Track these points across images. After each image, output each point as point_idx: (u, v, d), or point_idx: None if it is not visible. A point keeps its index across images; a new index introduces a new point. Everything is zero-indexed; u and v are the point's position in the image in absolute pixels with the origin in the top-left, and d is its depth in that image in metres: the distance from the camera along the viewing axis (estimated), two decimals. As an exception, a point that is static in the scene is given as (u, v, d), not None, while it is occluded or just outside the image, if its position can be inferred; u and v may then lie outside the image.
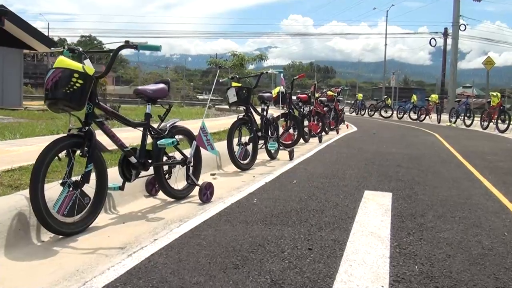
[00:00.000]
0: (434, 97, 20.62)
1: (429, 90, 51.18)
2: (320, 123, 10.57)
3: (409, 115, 21.32)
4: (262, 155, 6.44)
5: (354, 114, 25.39)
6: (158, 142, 3.53)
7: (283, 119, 8.27)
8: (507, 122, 14.09)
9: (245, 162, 5.55)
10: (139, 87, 3.62)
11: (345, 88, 15.25)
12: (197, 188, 3.85)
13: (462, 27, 31.64)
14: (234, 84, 5.50)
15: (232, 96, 5.41)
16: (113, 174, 3.54)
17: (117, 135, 3.31)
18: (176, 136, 3.88)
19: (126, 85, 48.00)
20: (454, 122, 17.95)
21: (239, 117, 5.59)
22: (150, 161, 3.55)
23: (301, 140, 8.78)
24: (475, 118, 16.76)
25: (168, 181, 3.84)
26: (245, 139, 5.68)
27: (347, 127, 13.99)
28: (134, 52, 3.52)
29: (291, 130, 8.25)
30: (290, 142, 8.12)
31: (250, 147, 5.69)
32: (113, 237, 2.90)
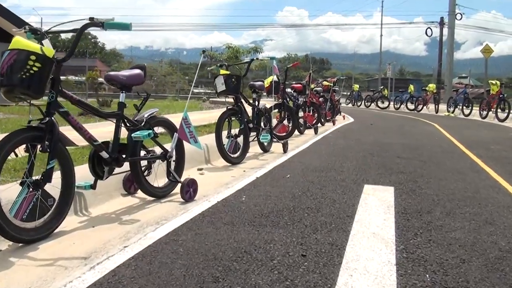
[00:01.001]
0: (432, 86, 20.22)
1: (425, 81, 50.81)
2: (316, 114, 10.21)
3: (406, 106, 20.94)
4: (254, 148, 6.07)
5: (350, 105, 25.00)
6: (132, 135, 3.14)
7: (276, 110, 7.90)
8: (506, 110, 13.75)
9: (235, 155, 5.18)
10: (111, 73, 3.19)
11: (341, 78, 14.88)
12: (180, 185, 3.47)
13: (458, 16, 31.25)
14: (222, 72, 5.11)
15: (220, 85, 5.03)
16: (86, 172, 3.18)
17: (85, 127, 2.93)
18: (156, 128, 3.51)
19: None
20: (453, 112, 17.61)
21: (229, 107, 5.22)
22: (124, 156, 3.17)
23: (296, 132, 8.41)
24: (474, 108, 16.41)
25: (147, 178, 3.47)
26: (235, 131, 5.30)
27: (344, 118, 13.62)
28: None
29: (285, 122, 7.87)
30: (284, 134, 7.75)
31: (240, 140, 5.31)
32: (78, 244, 2.52)
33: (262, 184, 3.99)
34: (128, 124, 3.28)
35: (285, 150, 6.07)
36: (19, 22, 15.15)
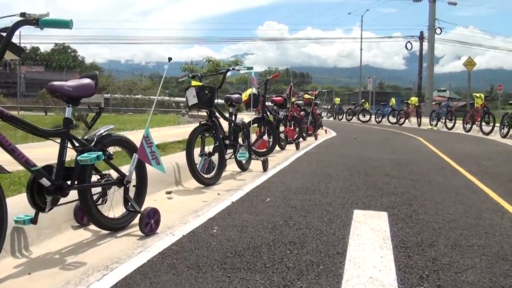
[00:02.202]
0: (414, 100, 20.02)
1: (404, 94, 51.14)
2: (297, 129, 9.77)
3: (388, 119, 20.69)
4: (231, 166, 5.57)
5: (331, 119, 24.72)
6: (78, 158, 2.61)
7: (256, 124, 7.42)
8: (491, 124, 13.52)
9: (209, 176, 4.66)
10: (54, 83, 2.60)
11: (322, 91, 14.51)
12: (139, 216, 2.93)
13: (438, 31, 31.47)
14: (194, 83, 4.61)
15: (191, 97, 4.52)
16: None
17: (19, 149, 2.39)
18: (111, 148, 2.99)
19: (99, 94, 47.11)
20: (435, 125, 17.39)
21: (202, 122, 4.71)
22: (70, 183, 2.63)
23: (277, 148, 7.94)
24: (457, 121, 16.17)
25: (103, 206, 2.94)
26: (209, 148, 4.80)
27: (326, 132, 13.23)
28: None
29: (265, 137, 7.40)
30: (264, 150, 7.27)
31: (215, 158, 4.81)
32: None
33: (238, 211, 3.48)
34: (76, 144, 2.75)
35: (265, 168, 5.57)
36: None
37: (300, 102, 10.99)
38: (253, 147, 7.14)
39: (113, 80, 48.31)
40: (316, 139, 10.75)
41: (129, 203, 2.98)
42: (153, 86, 46.14)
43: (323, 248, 2.61)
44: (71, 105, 2.69)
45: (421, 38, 35.74)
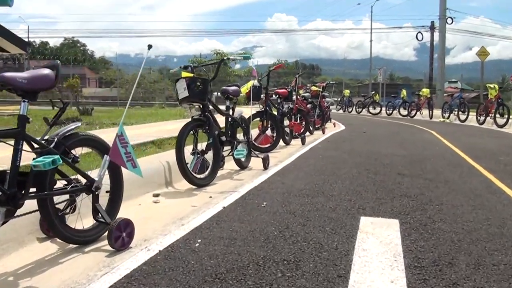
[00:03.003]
0: (425, 91, 19.42)
1: (415, 86, 50.22)
2: (304, 122, 9.33)
3: (399, 111, 20.14)
4: (231, 164, 5.17)
5: (341, 111, 24.20)
6: (31, 163, 2.21)
7: (258, 118, 7.01)
8: (506, 116, 12.95)
9: (202, 176, 4.26)
10: (5, 74, 2.20)
11: (331, 82, 14.02)
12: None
13: (449, 20, 30.70)
14: (184, 74, 4.19)
15: (182, 90, 4.12)
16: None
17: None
18: (78, 149, 2.59)
19: (108, 87, 47.15)
20: (448, 118, 16.82)
21: (194, 117, 4.30)
22: (24, 191, 2.24)
23: (282, 143, 7.53)
24: (470, 113, 15.60)
25: (69, 216, 2.55)
26: (202, 145, 4.39)
27: (334, 126, 12.77)
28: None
29: (268, 132, 6.99)
30: (268, 145, 6.87)
31: (210, 156, 4.40)
32: None
33: (228, 219, 3.07)
34: (35, 146, 2.36)
35: (265, 166, 5.16)
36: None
37: (307, 94, 10.54)
38: (255, 143, 6.73)
39: (124, 75, 48.23)
40: (323, 133, 10.31)
41: (99, 214, 2.57)
42: (161, 79, 45.72)
43: (322, 269, 2.19)
44: (26, 100, 2.28)
45: (432, 28, 35.00)
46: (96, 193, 2.59)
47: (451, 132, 11.07)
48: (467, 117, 15.49)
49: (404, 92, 20.47)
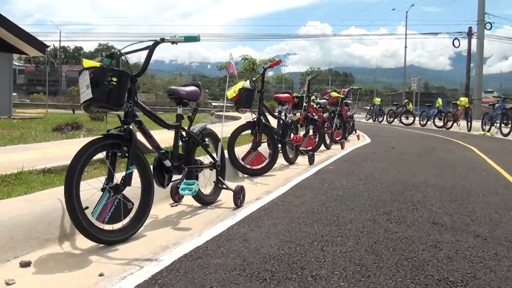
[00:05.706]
0: (463, 100, 17.36)
1: (450, 95, 47.76)
2: (317, 136, 7.66)
3: (434, 122, 18.09)
4: (188, 200, 3.56)
5: (371, 121, 22.29)
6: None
7: (249, 131, 5.39)
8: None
9: (119, 226, 2.64)
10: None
11: (354, 88, 12.19)
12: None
13: (487, 26, 28.42)
14: (86, 63, 2.57)
15: (84, 88, 2.52)
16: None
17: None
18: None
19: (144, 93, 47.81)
20: (488, 130, 14.73)
21: (110, 131, 2.70)
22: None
23: (285, 161, 5.91)
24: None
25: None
26: (118, 177, 2.78)
27: (358, 138, 10.99)
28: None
29: (262, 149, 5.33)
30: (260, 166, 5.24)
31: (136, 192, 2.79)
32: None
33: None
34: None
35: (236, 203, 3.48)
36: (20, 33, 14.38)
37: (323, 101, 8.82)
38: (243, 163, 5.13)
39: (155, 80, 47.99)
40: (342, 147, 8.57)
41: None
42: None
43: None
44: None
45: (469, 34, 32.44)
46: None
47: (496, 150, 9.17)
48: (510, 130, 13.42)
49: (439, 101, 18.45)
